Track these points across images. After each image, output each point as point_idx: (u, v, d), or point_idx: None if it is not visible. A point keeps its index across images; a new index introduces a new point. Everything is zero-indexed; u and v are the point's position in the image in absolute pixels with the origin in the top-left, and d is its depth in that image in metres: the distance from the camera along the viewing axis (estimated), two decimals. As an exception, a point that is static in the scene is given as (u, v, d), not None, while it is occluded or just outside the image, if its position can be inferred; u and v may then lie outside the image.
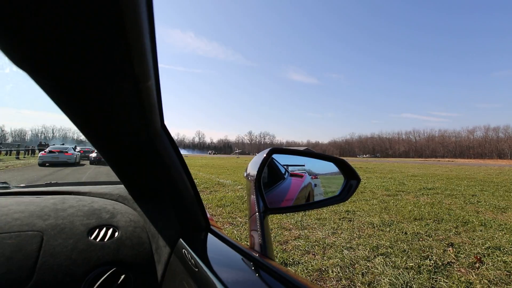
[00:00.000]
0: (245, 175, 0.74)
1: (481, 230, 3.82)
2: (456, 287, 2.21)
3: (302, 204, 0.82)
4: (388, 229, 3.81)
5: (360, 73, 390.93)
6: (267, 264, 0.48)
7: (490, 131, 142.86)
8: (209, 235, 0.72)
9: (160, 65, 0.39)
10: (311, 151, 0.87)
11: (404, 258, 2.77)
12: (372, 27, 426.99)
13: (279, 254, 2.83)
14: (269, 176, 0.79)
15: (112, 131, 0.50)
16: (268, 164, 0.80)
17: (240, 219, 4.22)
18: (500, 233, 3.68)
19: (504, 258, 2.80)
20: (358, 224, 4.08)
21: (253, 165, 0.71)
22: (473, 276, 2.40)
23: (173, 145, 0.63)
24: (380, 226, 3.94)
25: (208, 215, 1.12)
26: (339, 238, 3.38)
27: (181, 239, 0.68)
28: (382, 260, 2.70)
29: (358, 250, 2.99)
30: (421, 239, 3.39)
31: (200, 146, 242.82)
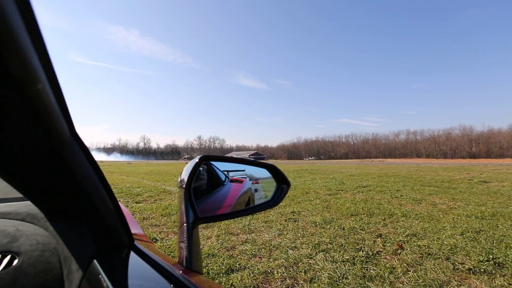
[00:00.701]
0: (178, 182, 0.70)
1: (402, 221, 4.42)
2: (382, 273, 2.49)
3: (235, 211, 0.80)
4: (328, 226, 4.11)
5: (305, 79, 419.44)
6: (190, 284, 0.45)
7: (411, 134, 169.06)
8: (132, 254, 0.65)
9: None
10: (243, 158, 0.87)
11: (342, 252, 3.02)
12: (323, 31, 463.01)
13: (225, 260, 2.79)
14: (208, 183, 0.76)
15: (2, 142, 0.41)
16: (207, 171, 0.77)
17: (186, 228, 4.04)
18: (416, 222, 4.32)
19: (418, 243, 3.28)
20: (302, 224, 4.30)
21: (184, 173, 0.68)
22: (396, 262, 2.74)
23: (86, 154, 0.56)
24: (322, 224, 4.23)
25: (138, 231, 1.02)
26: (285, 239, 3.51)
27: (95, 261, 0.60)
28: (323, 256, 2.89)
29: (302, 249, 3.15)
30: (356, 233, 3.75)
31: (145, 152, 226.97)
